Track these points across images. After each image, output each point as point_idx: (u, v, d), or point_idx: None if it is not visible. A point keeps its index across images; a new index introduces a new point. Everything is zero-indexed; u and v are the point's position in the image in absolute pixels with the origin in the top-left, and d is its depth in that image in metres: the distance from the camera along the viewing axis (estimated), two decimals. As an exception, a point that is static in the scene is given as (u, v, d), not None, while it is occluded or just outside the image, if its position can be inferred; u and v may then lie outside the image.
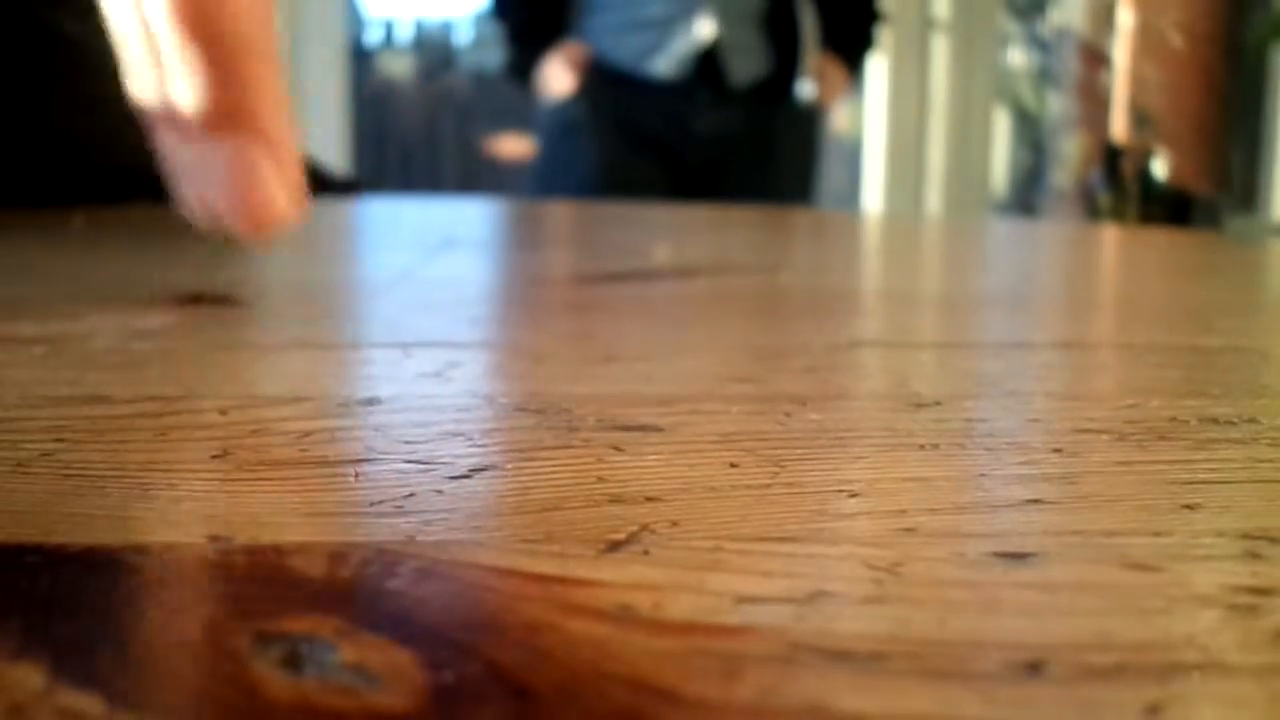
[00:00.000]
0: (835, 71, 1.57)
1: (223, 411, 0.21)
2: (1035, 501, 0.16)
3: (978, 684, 0.11)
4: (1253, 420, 0.21)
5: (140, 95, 0.26)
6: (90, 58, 0.64)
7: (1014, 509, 0.16)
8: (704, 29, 1.49)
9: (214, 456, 0.18)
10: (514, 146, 3.07)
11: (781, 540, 0.14)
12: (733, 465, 0.18)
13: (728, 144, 1.54)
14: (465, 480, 0.17)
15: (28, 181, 0.62)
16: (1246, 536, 0.15)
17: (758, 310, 0.34)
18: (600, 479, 0.17)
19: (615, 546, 0.14)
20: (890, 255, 0.58)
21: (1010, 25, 2.65)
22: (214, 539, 0.14)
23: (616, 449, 0.19)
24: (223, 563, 0.13)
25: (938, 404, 0.22)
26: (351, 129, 2.36)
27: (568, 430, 0.20)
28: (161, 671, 0.11)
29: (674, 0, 1.50)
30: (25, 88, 0.61)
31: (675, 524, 0.15)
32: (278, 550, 0.14)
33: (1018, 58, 2.62)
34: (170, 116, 0.25)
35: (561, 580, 0.13)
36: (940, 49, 2.45)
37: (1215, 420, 0.21)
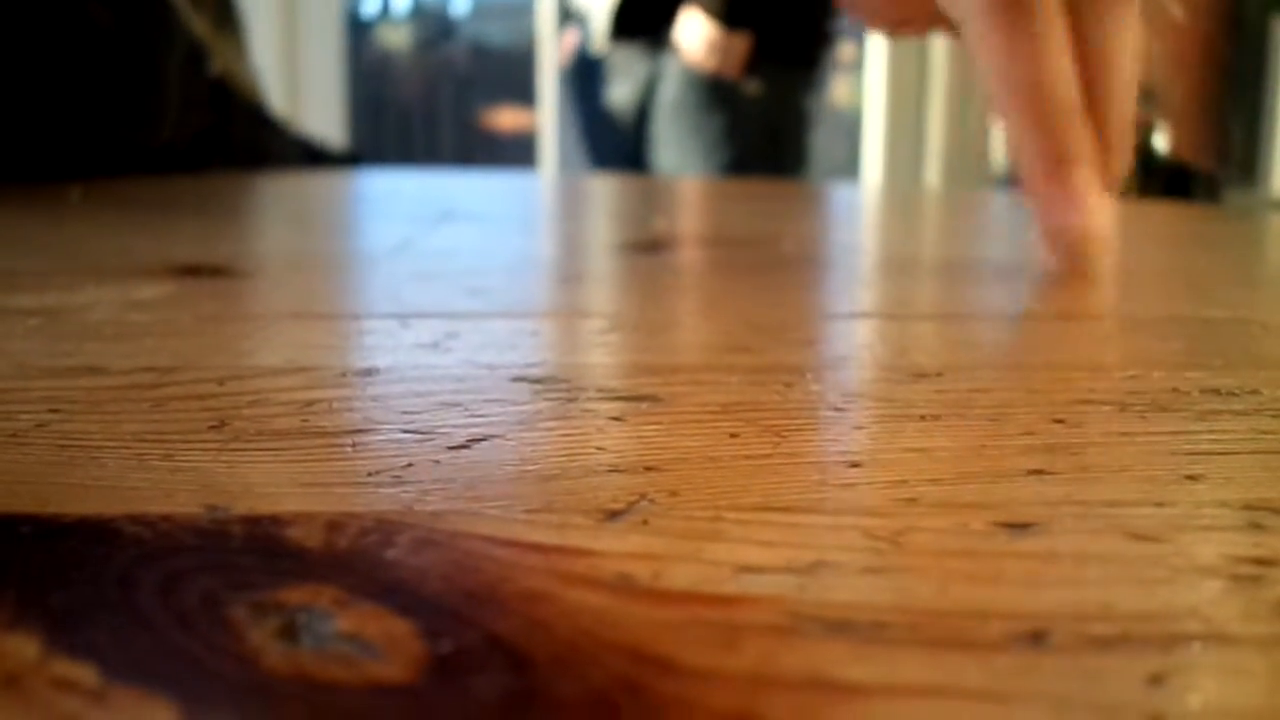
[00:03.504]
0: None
1: (220, 382, 0.21)
2: (1037, 472, 0.16)
3: (979, 654, 0.11)
4: (1255, 391, 0.21)
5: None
6: (118, 46, 0.64)
7: (1016, 479, 0.16)
8: None
9: (211, 427, 0.18)
10: (512, 118, 3.06)
11: (781, 510, 0.14)
12: (733, 435, 0.18)
13: None
14: (463, 450, 0.17)
15: (51, 159, 0.62)
16: (1249, 507, 0.15)
17: (758, 281, 0.34)
18: (599, 449, 0.17)
19: (614, 516, 0.14)
20: (890, 227, 0.58)
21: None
22: (210, 509, 0.14)
23: (616, 419, 0.18)
24: (219, 533, 0.13)
25: (939, 374, 0.22)
26: (349, 100, 2.35)
27: (566, 400, 0.20)
28: (157, 642, 0.11)
29: None
30: (58, 72, 0.62)
31: (675, 494, 0.15)
32: (275, 520, 0.14)
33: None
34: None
35: (560, 550, 0.13)
36: (940, 21, 2.43)
37: (1217, 391, 0.21)
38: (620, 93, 1.61)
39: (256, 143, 0.76)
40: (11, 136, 0.61)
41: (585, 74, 1.68)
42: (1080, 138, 0.33)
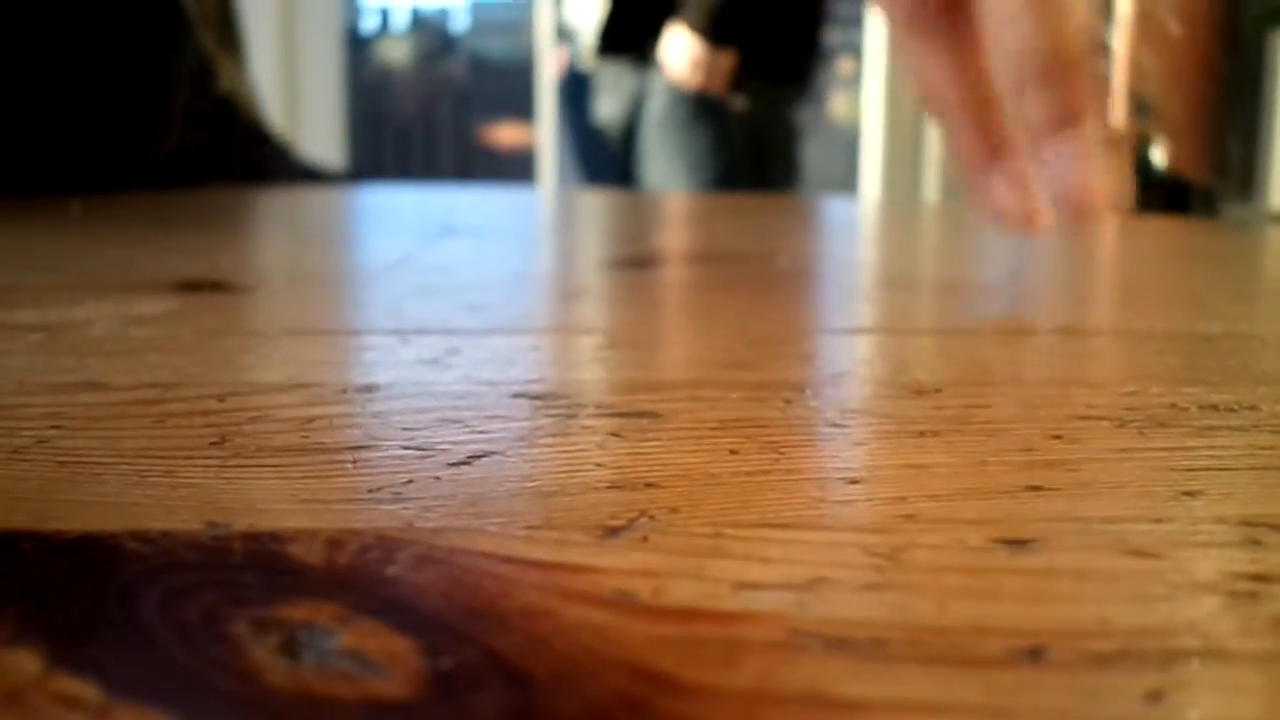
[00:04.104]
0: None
1: (220, 398, 0.21)
2: (1035, 488, 0.16)
3: (978, 670, 0.11)
4: (1253, 407, 0.21)
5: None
6: (130, 54, 0.64)
7: (1014, 495, 0.16)
8: None
9: (211, 443, 0.18)
10: (511, 134, 3.06)
11: (781, 527, 0.14)
12: (732, 452, 0.18)
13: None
14: (464, 466, 0.17)
15: (69, 168, 0.63)
16: (1247, 523, 0.15)
17: (755, 296, 0.34)
18: (599, 465, 0.17)
19: (614, 533, 0.14)
20: (889, 243, 0.58)
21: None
22: (211, 525, 0.14)
23: (616, 435, 0.18)
24: (220, 549, 0.13)
25: (937, 390, 0.22)
26: (348, 115, 2.35)
27: (567, 416, 0.20)
28: (158, 658, 0.11)
29: None
30: (69, 78, 0.62)
31: (674, 510, 0.15)
32: (275, 537, 0.14)
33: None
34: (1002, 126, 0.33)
35: (560, 566, 0.13)
36: (939, 36, 2.44)
37: (1215, 407, 0.21)
38: (608, 108, 1.62)
39: (258, 162, 0.76)
40: (20, 140, 0.61)
41: (576, 89, 1.68)
42: (1087, 90, 0.33)
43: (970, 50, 0.33)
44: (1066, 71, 0.33)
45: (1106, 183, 0.33)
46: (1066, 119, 0.33)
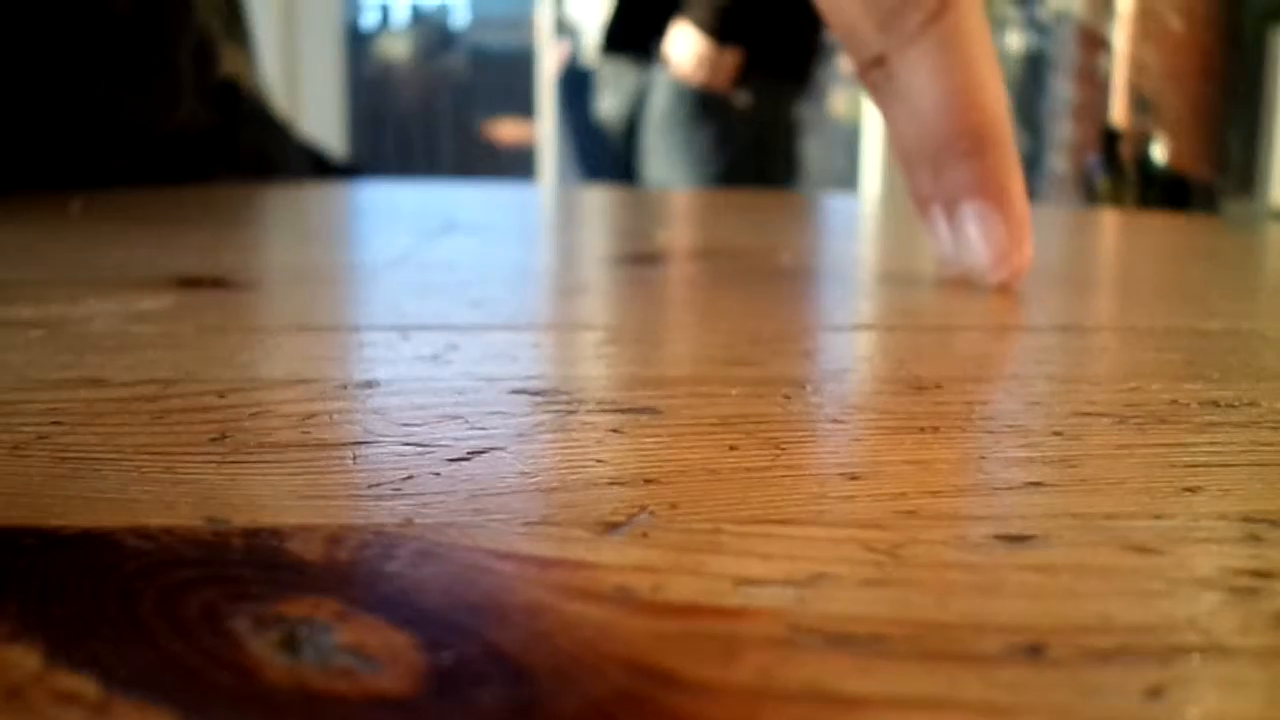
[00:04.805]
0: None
1: (221, 394, 0.21)
2: (1036, 484, 0.16)
3: (978, 666, 0.11)
4: (1253, 403, 0.21)
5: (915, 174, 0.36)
6: (136, 35, 0.64)
7: (1014, 492, 0.16)
8: None
9: (212, 439, 0.18)
10: (512, 129, 3.06)
11: (781, 523, 0.14)
12: (732, 448, 0.18)
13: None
14: (464, 462, 0.17)
15: (71, 157, 0.62)
16: (1247, 519, 0.15)
17: (756, 293, 0.34)
18: (599, 461, 0.17)
19: (614, 529, 0.14)
20: (889, 239, 0.58)
21: (1009, 9, 2.64)
22: (211, 521, 0.14)
23: (616, 431, 0.18)
24: (220, 545, 0.13)
25: (938, 386, 0.22)
26: (348, 111, 2.35)
27: (566, 413, 0.20)
28: (158, 654, 0.11)
29: None
30: (74, 63, 0.61)
31: (674, 506, 0.15)
32: (275, 533, 0.14)
33: (1015, 41, 2.62)
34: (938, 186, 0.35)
35: (560, 562, 0.13)
36: (939, 32, 2.44)
37: (1216, 403, 0.21)
38: (609, 104, 1.62)
39: (263, 147, 0.76)
40: (32, 126, 0.61)
41: (576, 85, 1.68)
42: (1006, 167, 0.34)
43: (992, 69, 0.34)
44: (986, 148, 0.33)
45: (1018, 257, 0.34)
46: (983, 190, 0.33)
